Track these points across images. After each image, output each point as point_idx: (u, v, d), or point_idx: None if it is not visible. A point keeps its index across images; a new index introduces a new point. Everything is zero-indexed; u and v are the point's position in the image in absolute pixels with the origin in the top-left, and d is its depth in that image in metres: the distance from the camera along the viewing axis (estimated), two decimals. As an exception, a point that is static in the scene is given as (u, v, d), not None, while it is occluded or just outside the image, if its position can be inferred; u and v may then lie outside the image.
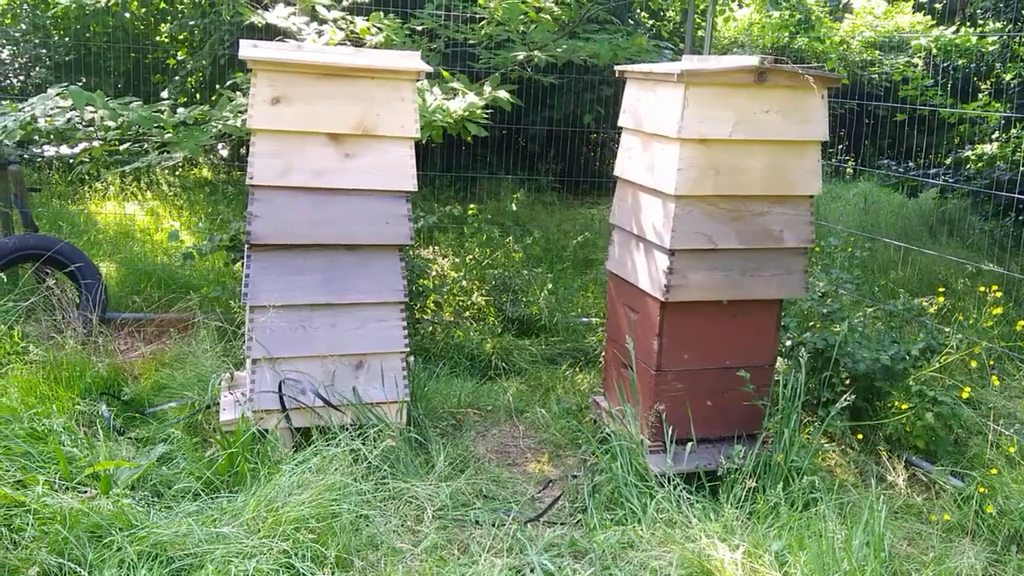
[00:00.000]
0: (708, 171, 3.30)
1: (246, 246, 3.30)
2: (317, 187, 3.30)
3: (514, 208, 6.09)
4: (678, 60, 4.38)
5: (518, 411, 4.35)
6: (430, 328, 4.88)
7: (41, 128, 4.75)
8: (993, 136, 8.12)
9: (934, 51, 9.24)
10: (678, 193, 3.27)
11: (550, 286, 5.31)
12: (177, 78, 8.86)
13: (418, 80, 3.33)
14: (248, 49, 3.22)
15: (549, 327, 5.08)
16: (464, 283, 5.26)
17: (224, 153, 9.06)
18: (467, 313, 5.22)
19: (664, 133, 3.32)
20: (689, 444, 3.32)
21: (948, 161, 8.22)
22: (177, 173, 7.86)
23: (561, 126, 8.87)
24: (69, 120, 4.80)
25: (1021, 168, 7.02)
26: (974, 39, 8.72)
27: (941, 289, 4.25)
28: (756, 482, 3.24)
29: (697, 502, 3.19)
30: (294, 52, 3.29)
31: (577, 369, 4.82)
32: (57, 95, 4.60)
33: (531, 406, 4.41)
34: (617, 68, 3.71)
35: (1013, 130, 7.78)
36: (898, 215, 7.85)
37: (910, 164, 8.68)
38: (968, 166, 7.91)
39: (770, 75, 3.28)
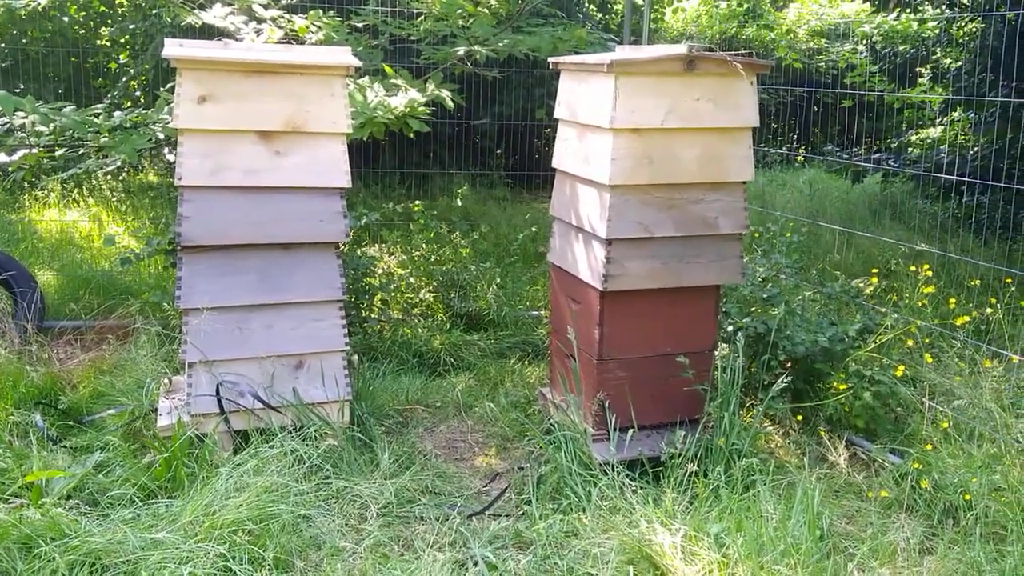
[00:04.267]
0: (642, 160, 3.32)
1: (177, 248, 3.25)
2: (248, 186, 3.26)
3: (459, 203, 6.06)
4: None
5: (467, 406, 4.34)
6: (377, 326, 4.85)
7: (-31, 135, 4.65)
8: (936, 121, 8.28)
9: (876, 38, 9.40)
10: (613, 183, 3.28)
11: (498, 281, 5.31)
12: (121, 83, 8.71)
13: (348, 75, 3.30)
14: (173, 48, 3.17)
15: (498, 321, 5.08)
16: (412, 280, 5.23)
17: (171, 158, 8.92)
18: (415, 310, 5.19)
19: (597, 124, 3.33)
20: (631, 432, 3.34)
21: (893, 146, 8.37)
22: (121, 178, 7.72)
23: (512, 121, 8.87)
24: (3, 126, 4.70)
25: (959, 151, 7.17)
26: (915, 25, 8.88)
27: (875, 270, 4.32)
28: (697, 466, 3.27)
29: (640, 488, 3.21)
30: (220, 50, 3.24)
31: (526, 362, 4.83)
32: (-16, 100, 4.48)
33: (480, 400, 4.40)
34: (551, 60, 3.71)
35: (954, 113, 7.94)
36: (843, 200, 7.97)
37: (855, 150, 8.82)
38: (911, 150, 8.06)
39: (699, 63, 3.30)
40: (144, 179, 8.83)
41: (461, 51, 5.25)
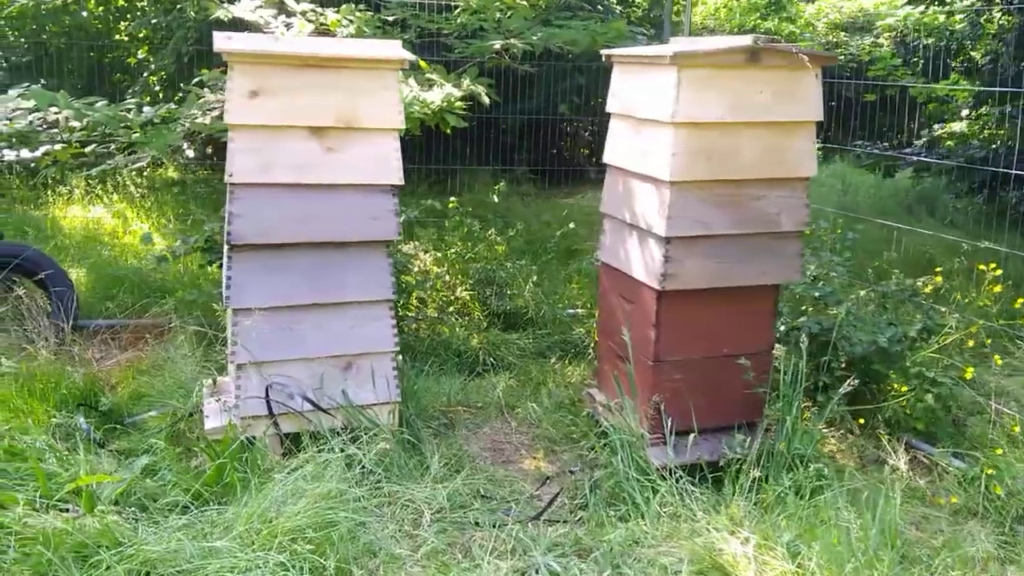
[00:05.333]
0: (702, 155, 3.22)
1: (226, 247, 3.17)
2: (299, 183, 3.17)
3: (495, 200, 5.97)
4: (654, 44, 4.29)
5: (509, 407, 4.26)
6: (414, 325, 4.76)
7: (2, 132, 4.56)
8: (963, 114, 8.15)
9: (902, 30, 9.26)
10: (673, 179, 3.19)
11: (535, 278, 5.21)
12: (141, 78, 8.63)
13: (401, 69, 3.21)
14: (223, 41, 3.08)
15: (536, 320, 4.98)
16: (447, 278, 5.14)
17: (190, 153, 8.85)
18: (451, 308, 5.10)
19: (657, 118, 3.23)
20: (691, 436, 3.24)
21: (922, 140, 8.24)
22: (144, 174, 7.64)
23: (536, 116, 8.77)
24: (31, 123, 4.61)
25: (995, 145, 7.04)
26: (942, 17, 8.75)
27: (939, 269, 4.21)
28: (760, 471, 3.17)
29: (701, 495, 3.11)
30: (272, 43, 3.15)
31: (567, 362, 4.73)
32: (19, 96, 4.41)
33: (522, 401, 4.31)
34: (604, 53, 3.62)
35: (984, 108, 7.81)
36: (875, 196, 7.85)
37: (882, 144, 8.69)
38: (943, 145, 7.92)
39: (764, 55, 3.20)
40: (164, 175, 8.76)
41: (497, 45, 5.15)
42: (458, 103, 4.92)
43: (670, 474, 3.17)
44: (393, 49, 3.18)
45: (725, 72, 3.19)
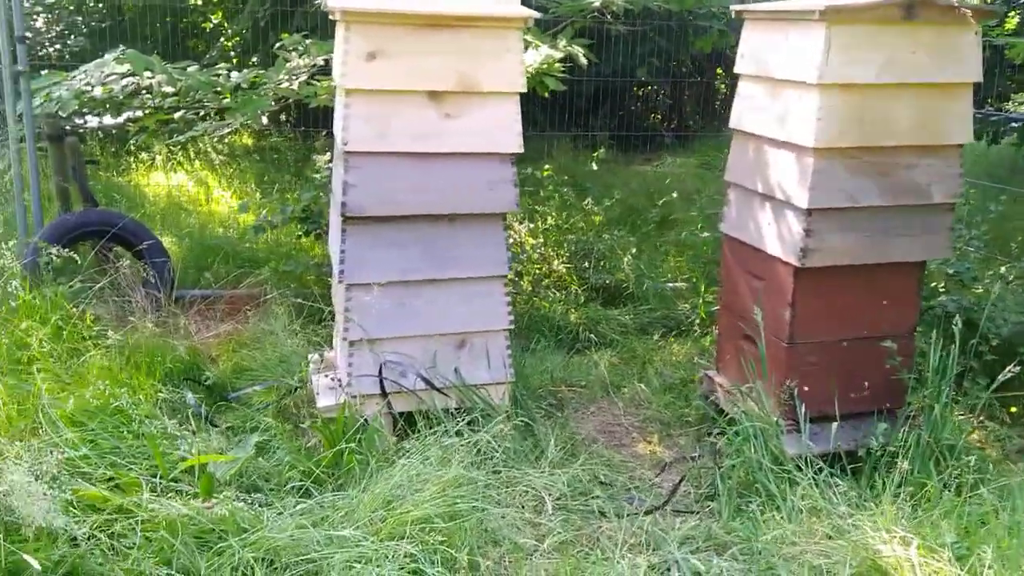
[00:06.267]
0: (851, 120, 2.95)
1: (340, 219, 3.01)
2: (416, 152, 2.99)
3: (594, 167, 5.73)
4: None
5: (614, 386, 4.07)
6: (512, 300, 4.59)
7: (96, 97, 4.47)
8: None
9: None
10: (818, 146, 2.93)
11: (634, 250, 4.99)
12: (217, 44, 8.53)
13: (526, 28, 3.00)
14: (338, -1, 2.90)
15: (637, 295, 4.76)
16: (542, 250, 4.95)
17: (263, 119, 8.74)
18: (545, 282, 4.92)
19: (800, 79, 2.97)
20: (833, 424, 3.02)
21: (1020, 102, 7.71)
22: (226, 140, 7.57)
23: (612, 79, 8.46)
24: (124, 87, 4.51)
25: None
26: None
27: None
28: (908, 463, 2.94)
29: (843, 487, 2.89)
30: (391, 1, 2.95)
31: (671, 339, 4.52)
32: (113, 60, 4.30)
33: (628, 380, 4.13)
34: (734, 8, 3.36)
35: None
36: (980, 164, 7.40)
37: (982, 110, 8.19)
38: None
39: (920, 10, 2.91)
40: (239, 141, 8.69)
41: (597, 2, 4.89)
42: (557, 65, 4.69)
43: (807, 464, 2.96)
44: (516, 7, 2.97)
45: (877, 28, 2.91)
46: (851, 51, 2.88)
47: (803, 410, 3.09)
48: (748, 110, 3.31)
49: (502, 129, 3.04)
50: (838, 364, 3.18)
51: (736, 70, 3.36)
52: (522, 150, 3.08)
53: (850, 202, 3.03)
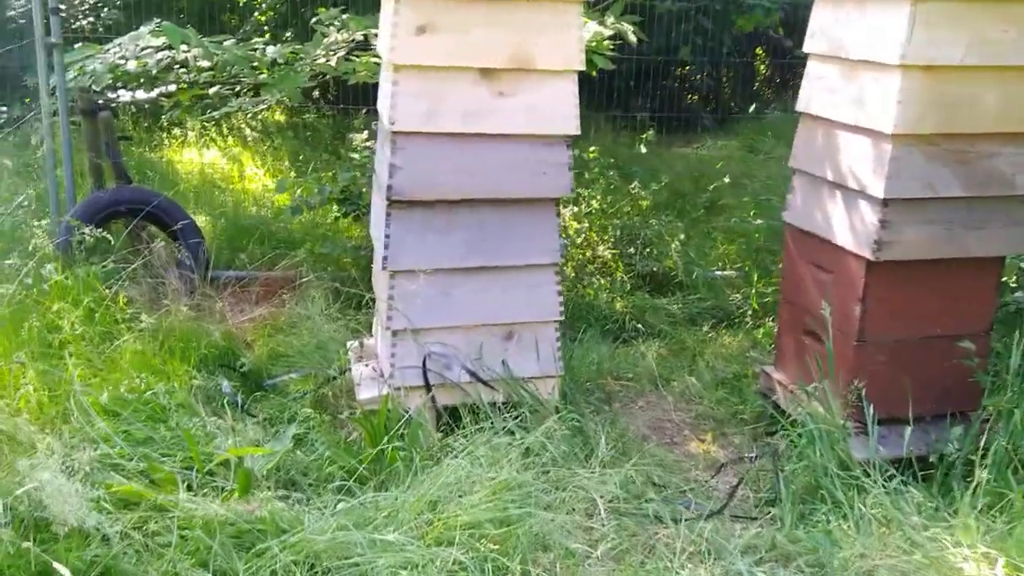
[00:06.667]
0: (933, 105, 2.75)
1: (385, 202, 2.86)
2: (466, 132, 2.83)
3: (642, 150, 5.53)
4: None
5: (663, 379, 3.90)
6: (556, 286, 4.42)
7: (130, 71, 4.35)
8: None
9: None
10: (896, 131, 2.73)
11: (682, 236, 4.79)
12: (251, 17, 8.39)
13: (583, 2, 2.81)
14: (385, -32, 2.73)
15: (686, 283, 4.58)
16: (587, 235, 4.77)
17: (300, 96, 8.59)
18: (589, 268, 4.74)
19: (879, 59, 2.76)
20: (907, 428, 2.83)
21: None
22: (259, 117, 7.43)
23: (654, 58, 8.21)
24: (159, 61, 4.38)
25: None
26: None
27: None
28: (987, 471, 2.74)
29: (916, 496, 2.71)
30: (442, -30, 2.77)
31: (722, 330, 4.34)
32: (149, 33, 4.17)
33: (677, 374, 3.96)
34: (805, -17, 3.14)
35: None
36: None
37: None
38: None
39: (1015, -16, 2.69)
40: (270, 118, 8.55)
41: (648, -22, 4.68)
42: (606, 43, 4.50)
43: (875, 469, 2.78)
44: (577, -21, 2.78)
45: (965, 6, 2.69)
46: (936, 30, 2.67)
47: (872, 412, 2.91)
48: (818, 92, 3.11)
49: (558, 109, 2.86)
50: (910, 364, 2.99)
51: (805, 49, 3.15)
52: (579, 132, 2.91)
53: (929, 192, 2.82)
